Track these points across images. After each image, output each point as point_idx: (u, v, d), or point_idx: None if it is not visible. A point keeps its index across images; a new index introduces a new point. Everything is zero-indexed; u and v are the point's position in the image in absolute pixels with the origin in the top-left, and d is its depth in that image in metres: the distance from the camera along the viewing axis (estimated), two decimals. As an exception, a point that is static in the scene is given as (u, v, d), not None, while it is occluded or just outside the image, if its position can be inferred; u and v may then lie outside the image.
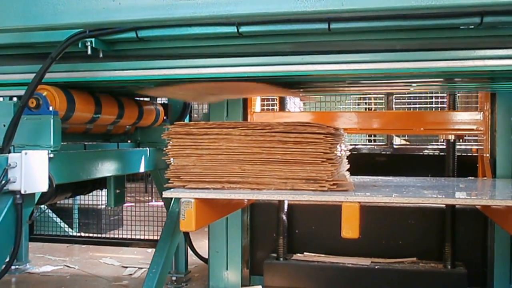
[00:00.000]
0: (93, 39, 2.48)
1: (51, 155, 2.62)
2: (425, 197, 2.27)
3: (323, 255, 4.29)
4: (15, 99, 3.22)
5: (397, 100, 4.73)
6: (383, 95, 4.82)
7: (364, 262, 4.14)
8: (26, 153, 2.45)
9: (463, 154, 4.34)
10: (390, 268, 4.07)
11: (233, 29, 2.34)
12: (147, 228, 5.98)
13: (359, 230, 2.16)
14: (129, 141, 4.09)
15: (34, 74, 2.52)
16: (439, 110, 4.78)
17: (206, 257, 4.46)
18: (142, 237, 5.89)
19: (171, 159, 2.51)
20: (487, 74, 2.93)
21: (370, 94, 5.14)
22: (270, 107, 4.87)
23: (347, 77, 2.98)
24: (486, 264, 3.96)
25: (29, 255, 5.49)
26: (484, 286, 4.00)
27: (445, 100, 4.43)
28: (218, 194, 2.35)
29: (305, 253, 4.36)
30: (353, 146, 4.62)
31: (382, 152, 4.63)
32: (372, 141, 5.23)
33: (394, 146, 4.69)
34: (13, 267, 5.01)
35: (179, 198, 2.29)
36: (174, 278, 4.70)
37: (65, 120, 2.92)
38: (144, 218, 6.15)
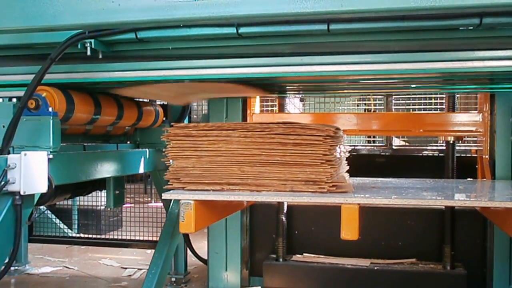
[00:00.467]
0: (92, 40, 2.48)
1: (51, 156, 2.62)
2: (425, 198, 2.27)
3: (322, 256, 4.29)
4: (14, 100, 3.22)
5: (396, 101, 4.73)
6: (383, 96, 4.82)
7: (364, 263, 4.14)
8: (25, 154, 2.45)
9: (462, 155, 4.35)
10: (390, 269, 4.07)
11: (232, 30, 2.34)
12: (146, 229, 5.97)
13: (359, 232, 2.16)
14: (128, 142, 4.09)
15: (34, 75, 2.52)
16: (438, 111, 4.78)
17: (206, 258, 4.46)
18: (141, 238, 5.89)
19: (171, 160, 2.50)
20: (487, 75, 2.93)
21: (369, 95, 5.14)
22: (270, 108, 4.87)
23: (346, 78, 2.98)
24: (486, 265, 3.96)
25: (29, 256, 5.48)
26: (484, 287, 4.00)
27: (443, 101, 4.44)
28: (217, 196, 2.34)
29: (304, 254, 4.36)
30: (353, 147, 4.63)
31: (382, 153, 4.64)
32: (372, 142, 5.24)
33: (393, 147, 4.69)
34: (12, 268, 5.00)
35: (179, 200, 2.29)
36: (173, 279, 4.69)
37: (65, 121, 2.92)
38: (143, 219, 6.14)
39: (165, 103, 4.34)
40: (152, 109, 3.99)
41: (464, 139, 4.26)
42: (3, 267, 2.50)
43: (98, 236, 6.53)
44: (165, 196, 2.36)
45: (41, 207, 5.66)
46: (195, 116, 6.00)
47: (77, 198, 6.47)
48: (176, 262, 4.69)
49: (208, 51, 2.61)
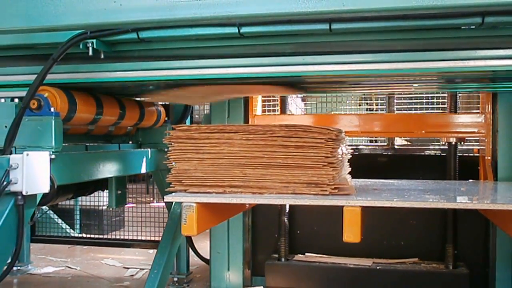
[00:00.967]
0: (94, 40, 2.48)
1: (53, 156, 2.62)
2: (427, 201, 2.26)
3: (324, 255, 4.29)
4: (16, 100, 3.22)
5: (398, 101, 4.72)
6: (385, 96, 4.81)
7: (366, 262, 4.14)
8: (27, 154, 2.46)
9: (464, 154, 4.34)
10: (392, 268, 4.07)
11: (234, 30, 2.35)
12: (148, 229, 5.98)
13: (361, 233, 2.15)
14: (130, 142, 4.09)
15: (36, 76, 2.53)
16: (440, 111, 4.77)
17: (208, 258, 4.46)
18: (143, 238, 5.89)
19: (173, 163, 2.50)
20: (489, 74, 2.93)
21: (371, 94, 5.13)
22: (272, 108, 4.86)
23: (348, 78, 2.98)
24: (488, 265, 3.96)
25: (31, 256, 5.49)
26: (486, 287, 3.99)
27: (446, 100, 4.43)
28: (219, 199, 2.34)
29: (306, 253, 4.36)
30: (355, 147, 4.62)
31: (384, 153, 4.63)
32: (374, 141, 5.23)
33: (396, 147, 4.68)
34: (15, 268, 5.01)
35: (181, 202, 2.29)
36: (175, 279, 4.70)
37: (67, 121, 2.92)
38: (145, 219, 6.14)
39: (167, 103, 4.35)
40: (154, 109, 3.99)
41: (466, 138, 4.25)
42: (5, 267, 2.50)
43: (100, 236, 6.54)
44: (167, 199, 2.36)
45: (43, 207, 5.67)
46: (197, 116, 6.00)
47: (79, 198, 6.47)
48: (178, 262, 4.69)
49: (210, 51, 2.61)
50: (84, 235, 6.63)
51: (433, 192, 2.64)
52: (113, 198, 3.99)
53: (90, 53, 2.49)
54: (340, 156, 2.48)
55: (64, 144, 2.79)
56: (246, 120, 4.29)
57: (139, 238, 5.93)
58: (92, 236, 6.53)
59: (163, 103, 4.33)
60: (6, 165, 2.41)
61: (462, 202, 2.41)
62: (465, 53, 2.39)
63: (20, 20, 2.01)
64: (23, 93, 2.61)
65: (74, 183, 3.15)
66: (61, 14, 1.96)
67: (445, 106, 4.49)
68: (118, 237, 6.49)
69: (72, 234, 6.42)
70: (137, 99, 3.82)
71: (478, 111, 4.20)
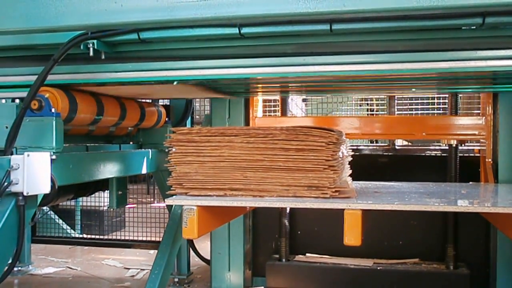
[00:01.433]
0: (95, 41, 2.48)
1: (54, 157, 2.62)
2: (427, 204, 2.25)
3: (325, 256, 4.29)
4: (17, 101, 3.22)
5: (399, 101, 4.72)
6: (385, 97, 4.81)
7: (366, 263, 4.14)
8: (28, 155, 2.45)
9: (465, 155, 4.34)
10: (392, 269, 4.07)
11: (235, 30, 2.34)
12: (149, 229, 5.98)
13: (361, 236, 2.14)
14: (131, 143, 4.09)
15: (36, 76, 2.53)
16: (441, 113, 4.77)
17: (208, 258, 4.46)
18: (144, 239, 5.90)
19: (174, 165, 2.50)
20: (489, 74, 2.93)
21: (372, 96, 5.13)
22: (272, 108, 4.86)
23: (349, 78, 2.98)
24: (489, 265, 3.96)
25: (32, 256, 5.49)
26: (487, 287, 3.99)
27: (446, 101, 4.43)
28: (220, 202, 2.33)
29: (307, 254, 4.36)
30: (355, 147, 4.62)
31: (384, 153, 4.62)
32: (374, 142, 5.23)
33: (396, 147, 4.68)
34: (15, 268, 5.00)
35: (182, 205, 2.29)
36: (176, 280, 4.70)
37: (67, 122, 2.93)
38: (146, 219, 6.15)
39: (168, 103, 4.35)
40: (155, 110, 3.99)
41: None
42: (6, 267, 2.50)
43: (101, 237, 6.54)
44: (168, 202, 2.36)
45: (44, 207, 5.67)
46: (197, 117, 6.01)
47: (80, 198, 6.48)
48: (179, 262, 4.69)
49: (211, 51, 2.61)
50: (85, 235, 6.64)
51: (434, 195, 2.63)
52: (114, 199, 3.99)
53: (91, 53, 2.49)
54: (340, 158, 2.48)
55: (65, 145, 2.79)
56: (246, 121, 4.29)
57: (140, 238, 5.94)
58: (93, 236, 6.54)
59: (164, 103, 4.33)
60: (7, 165, 2.41)
61: (463, 205, 2.40)
62: (466, 53, 2.39)
63: (21, 20, 2.01)
64: (24, 93, 2.62)
65: (75, 184, 3.15)
66: (61, 15, 1.96)
67: (446, 107, 4.49)
68: (119, 237, 6.49)
69: (73, 235, 6.43)
70: (138, 100, 3.83)
71: (479, 111, 4.19)
